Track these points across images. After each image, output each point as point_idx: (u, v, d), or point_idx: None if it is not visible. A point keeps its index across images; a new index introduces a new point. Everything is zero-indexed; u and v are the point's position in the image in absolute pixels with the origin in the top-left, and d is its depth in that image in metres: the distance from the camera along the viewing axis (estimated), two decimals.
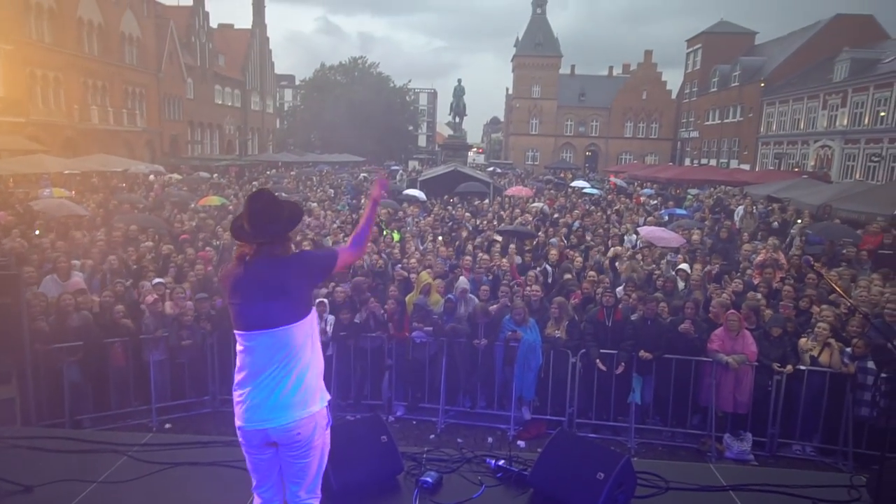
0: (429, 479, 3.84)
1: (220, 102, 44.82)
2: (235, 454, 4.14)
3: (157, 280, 7.74)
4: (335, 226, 13.11)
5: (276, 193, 3.12)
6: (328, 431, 2.72)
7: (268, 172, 31.42)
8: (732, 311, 6.55)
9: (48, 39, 25.84)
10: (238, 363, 2.58)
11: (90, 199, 15.80)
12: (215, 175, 27.04)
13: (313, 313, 2.63)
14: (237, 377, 2.58)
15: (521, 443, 6.52)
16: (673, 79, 74.29)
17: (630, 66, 62.73)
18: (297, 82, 69.11)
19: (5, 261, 6.67)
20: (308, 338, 2.58)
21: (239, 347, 2.57)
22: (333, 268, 2.74)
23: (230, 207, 15.82)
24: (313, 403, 2.58)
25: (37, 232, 10.86)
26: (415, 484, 3.82)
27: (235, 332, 2.57)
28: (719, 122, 45.81)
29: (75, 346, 6.31)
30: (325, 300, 7.35)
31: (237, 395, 2.58)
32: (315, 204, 17.17)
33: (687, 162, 49.27)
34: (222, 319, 7.15)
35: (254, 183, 25.01)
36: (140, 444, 4.19)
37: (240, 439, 2.63)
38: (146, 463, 3.93)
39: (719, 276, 8.99)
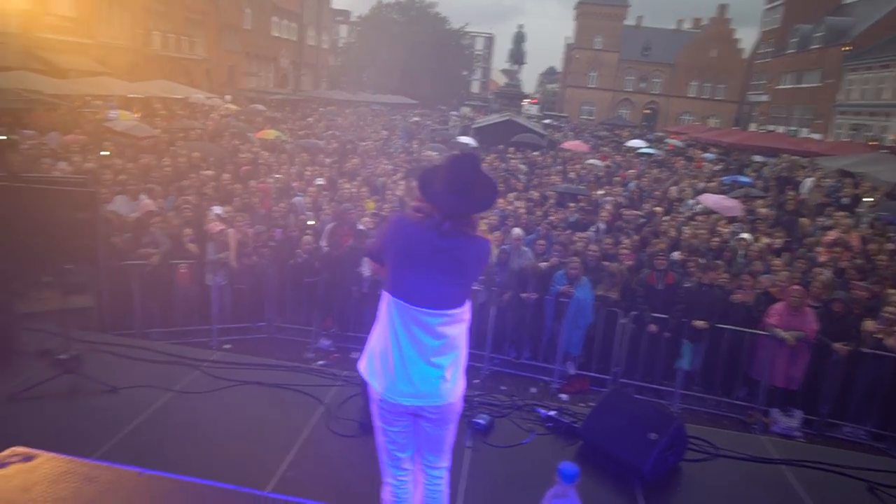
0: (481, 421, 3.96)
1: (276, 35, 44.52)
2: (296, 379, 4.37)
3: (217, 209, 7.99)
4: (389, 167, 13.12)
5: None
6: None
7: (321, 109, 31.44)
8: (796, 286, 6.34)
9: None
10: (384, 326, 2.45)
11: (156, 125, 16.25)
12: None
13: (469, 301, 2.51)
14: (380, 340, 2.46)
15: (563, 396, 6.61)
16: (747, 37, 69.38)
17: (701, 21, 59.13)
18: (353, 18, 67.89)
19: (83, 178, 6.97)
20: (465, 321, 2.49)
21: (388, 308, 2.43)
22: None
23: (286, 143, 16.04)
24: (460, 383, 2.50)
25: (104, 153, 11.27)
26: (467, 424, 3.95)
27: (391, 296, 2.42)
28: (793, 86, 42.91)
29: (145, 263, 6.66)
30: None
31: (377, 361, 2.47)
32: (368, 144, 17.24)
33: (752, 127, 46.66)
34: (280, 250, 7.40)
35: (308, 119, 25.13)
36: (210, 361, 4.45)
37: (376, 409, 2.54)
38: (217, 378, 4.19)
39: (781, 251, 8.68)
